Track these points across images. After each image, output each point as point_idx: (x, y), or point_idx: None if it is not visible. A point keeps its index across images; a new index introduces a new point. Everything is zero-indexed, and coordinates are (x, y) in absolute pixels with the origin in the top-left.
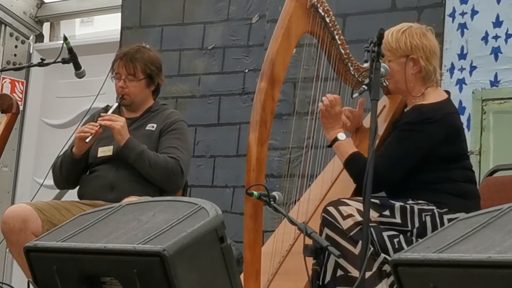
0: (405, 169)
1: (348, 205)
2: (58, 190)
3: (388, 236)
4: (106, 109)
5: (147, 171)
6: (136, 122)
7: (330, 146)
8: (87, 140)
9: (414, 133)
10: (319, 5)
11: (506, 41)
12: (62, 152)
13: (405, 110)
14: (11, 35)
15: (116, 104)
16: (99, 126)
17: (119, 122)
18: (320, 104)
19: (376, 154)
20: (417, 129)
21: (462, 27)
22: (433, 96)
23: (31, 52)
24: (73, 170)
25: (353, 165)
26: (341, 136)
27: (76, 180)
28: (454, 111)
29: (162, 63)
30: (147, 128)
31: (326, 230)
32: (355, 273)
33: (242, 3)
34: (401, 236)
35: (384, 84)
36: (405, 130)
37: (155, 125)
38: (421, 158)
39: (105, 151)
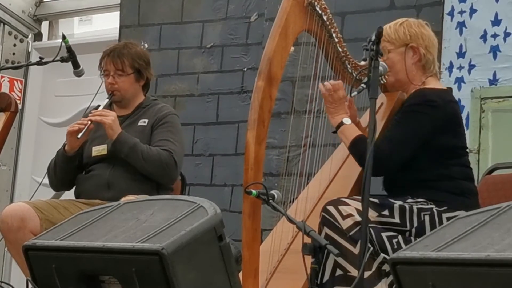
0: (407, 152)
1: (348, 204)
2: None
3: (387, 236)
4: (97, 108)
5: (141, 164)
6: (128, 118)
7: (335, 131)
8: (79, 135)
9: (416, 114)
10: (316, 3)
11: (504, 39)
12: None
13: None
14: (9, 33)
15: (106, 101)
16: (89, 122)
17: (110, 117)
18: (321, 88)
19: (378, 137)
20: (419, 111)
21: (461, 25)
22: (434, 84)
23: (29, 50)
24: (66, 168)
25: (357, 147)
26: (346, 120)
27: (71, 180)
28: (455, 101)
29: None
30: (139, 124)
31: (326, 230)
32: (354, 272)
33: (241, 1)
34: (400, 237)
35: (382, 82)
36: (407, 111)
37: (146, 120)
38: (422, 143)
39: (99, 150)
